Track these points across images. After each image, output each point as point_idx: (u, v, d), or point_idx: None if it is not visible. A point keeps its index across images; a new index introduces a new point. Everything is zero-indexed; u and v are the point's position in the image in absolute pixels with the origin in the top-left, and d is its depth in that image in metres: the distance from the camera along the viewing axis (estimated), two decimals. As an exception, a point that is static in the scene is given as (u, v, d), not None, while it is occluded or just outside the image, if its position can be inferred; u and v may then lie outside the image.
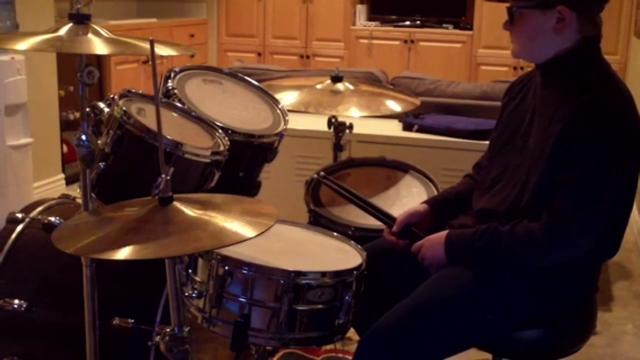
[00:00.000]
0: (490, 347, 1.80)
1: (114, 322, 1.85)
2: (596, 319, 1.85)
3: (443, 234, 1.80)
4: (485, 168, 1.92)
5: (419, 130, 3.35)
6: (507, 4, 1.76)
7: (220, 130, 2.10)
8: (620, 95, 1.68)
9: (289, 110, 2.39)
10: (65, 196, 2.31)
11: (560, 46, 1.72)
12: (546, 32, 1.71)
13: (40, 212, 2.11)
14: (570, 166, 1.63)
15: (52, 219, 2.05)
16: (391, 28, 6.26)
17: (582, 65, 1.72)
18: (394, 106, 2.52)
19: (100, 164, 1.89)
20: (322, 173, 2.24)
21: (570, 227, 1.63)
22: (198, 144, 1.95)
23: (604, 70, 1.73)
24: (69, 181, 4.52)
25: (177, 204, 1.41)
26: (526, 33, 1.75)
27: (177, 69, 2.30)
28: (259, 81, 2.50)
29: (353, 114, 2.42)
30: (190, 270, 1.71)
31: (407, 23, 6.28)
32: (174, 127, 2.01)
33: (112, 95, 1.95)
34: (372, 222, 2.17)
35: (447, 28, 6.19)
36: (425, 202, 2.00)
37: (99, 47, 1.59)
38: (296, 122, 2.94)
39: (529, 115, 1.78)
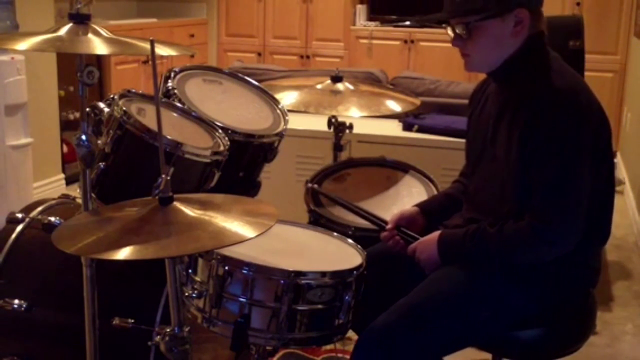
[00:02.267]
0: (490, 346, 1.80)
1: (114, 322, 1.85)
2: (596, 317, 1.86)
3: (436, 234, 1.80)
4: (467, 178, 1.93)
5: (419, 130, 3.35)
6: (456, 21, 1.73)
7: (220, 130, 2.10)
8: (572, 87, 1.67)
9: (289, 110, 2.39)
10: (65, 196, 2.31)
11: (512, 49, 1.71)
12: (505, 37, 1.70)
13: (40, 212, 2.11)
14: (540, 167, 1.63)
15: (52, 219, 2.05)
16: (391, 28, 6.26)
17: (529, 64, 1.71)
18: (394, 106, 2.52)
19: (100, 164, 1.89)
20: (315, 185, 2.31)
21: (554, 225, 1.63)
22: (198, 144, 1.95)
23: (551, 63, 1.72)
24: (69, 181, 4.52)
25: (177, 204, 1.41)
26: (486, 44, 1.72)
27: (177, 69, 2.30)
28: (259, 81, 2.51)
29: (353, 114, 2.42)
30: (190, 270, 1.71)
31: (407, 23, 6.27)
32: (174, 127, 2.01)
33: (112, 95, 1.95)
34: (372, 222, 2.17)
35: (447, 28, 6.18)
36: (417, 205, 2.01)
37: (99, 47, 1.59)
38: (296, 122, 2.94)
39: (491, 122, 1.77)
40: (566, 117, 1.62)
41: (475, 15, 1.69)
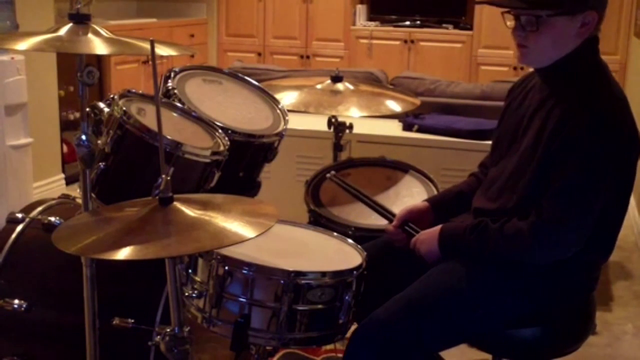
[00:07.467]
0: (489, 346, 1.80)
1: (114, 322, 1.85)
2: (595, 317, 1.86)
3: (437, 228, 1.81)
4: (488, 168, 1.92)
5: (419, 130, 3.35)
6: (528, 12, 1.68)
7: (220, 130, 2.10)
8: (613, 98, 1.67)
9: (289, 110, 2.39)
10: (65, 196, 2.31)
11: (570, 49, 1.70)
12: (569, 37, 1.69)
13: (40, 212, 2.11)
14: (560, 168, 1.63)
15: (52, 219, 2.05)
16: (391, 28, 6.26)
17: (580, 67, 1.71)
18: (394, 106, 2.52)
19: (100, 164, 1.89)
20: (332, 172, 2.32)
21: (557, 228, 1.63)
22: (198, 144, 1.95)
23: (600, 71, 1.72)
24: (69, 181, 4.52)
25: (177, 204, 1.41)
26: (551, 39, 1.69)
27: (177, 69, 2.30)
28: (259, 81, 2.50)
29: (353, 114, 2.42)
30: (190, 270, 1.71)
31: (407, 23, 6.28)
32: (174, 127, 2.01)
33: (112, 95, 1.95)
34: (372, 222, 2.17)
35: (447, 28, 6.19)
36: (427, 200, 2.01)
37: (99, 47, 1.59)
38: (296, 122, 2.94)
39: (526, 117, 1.77)
40: (598, 127, 1.61)
41: (549, 9, 1.66)
